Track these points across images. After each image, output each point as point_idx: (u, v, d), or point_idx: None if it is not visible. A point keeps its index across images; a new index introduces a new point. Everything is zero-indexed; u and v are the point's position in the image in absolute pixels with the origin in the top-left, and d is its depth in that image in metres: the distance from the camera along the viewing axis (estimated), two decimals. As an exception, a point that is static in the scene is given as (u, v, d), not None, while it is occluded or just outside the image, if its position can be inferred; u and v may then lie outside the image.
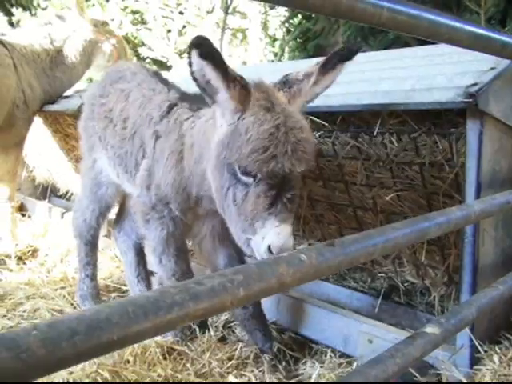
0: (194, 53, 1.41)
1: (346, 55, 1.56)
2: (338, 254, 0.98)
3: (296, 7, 0.85)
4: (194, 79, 1.51)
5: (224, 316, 2.85)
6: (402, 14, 1.00)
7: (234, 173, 1.52)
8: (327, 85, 1.64)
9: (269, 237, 1.45)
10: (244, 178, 1.50)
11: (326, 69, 1.59)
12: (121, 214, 2.78)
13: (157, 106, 2.05)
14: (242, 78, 1.54)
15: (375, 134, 2.07)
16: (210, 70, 1.45)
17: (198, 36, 1.40)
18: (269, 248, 1.44)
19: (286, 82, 1.65)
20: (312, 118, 2.27)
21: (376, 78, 2.22)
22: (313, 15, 4.29)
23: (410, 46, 3.17)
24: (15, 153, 3.89)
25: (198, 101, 1.88)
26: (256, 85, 1.59)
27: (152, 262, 2.11)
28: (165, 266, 2.05)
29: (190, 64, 1.45)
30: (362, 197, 2.48)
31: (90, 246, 2.76)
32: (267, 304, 2.60)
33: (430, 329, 1.32)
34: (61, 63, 4.04)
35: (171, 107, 2.01)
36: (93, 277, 2.79)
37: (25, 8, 5.27)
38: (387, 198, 2.21)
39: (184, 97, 2.04)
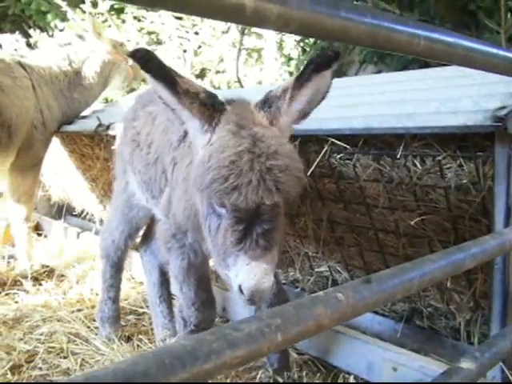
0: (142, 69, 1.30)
1: (323, 63, 1.37)
2: (375, 291, 0.93)
3: (337, 40, 0.82)
4: (162, 101, 1.40)
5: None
6: (437, 42, 0.97)
7: (210, 202, 1.42)
8: (309, 100, 1.44)
9: (239, 276, 1.32)
10: (217, 209, 1.39)
11: (300, 82, 1.40)
12: (148, 234, 2.76)
13: (176, 129, 1.99)
14: (205, 94, 1.40)
15: (398, 156, 2.03)
16: (156, 83, 1.33)
17: (136, 48, 1.30)
18: (239, 288, 1.32)
19: (265, 101, 1.49)
20: (333, 140, 2.24)
21: (398, 99, 2.19)
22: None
23: (429, 66, 3.14)
24: (33, 174, 3.91)
25: None
26: (233, 104, 1.47)
27: (174, 287, 2.08)
28: (185, 294, 2.02)
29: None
30: (383, 219, 2.43)
31: (116, 268, 2.74)
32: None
33: (466, 364, 1.27)
34: (78, 84, 4.08)
35: (186, 132, 1.93)
36: (115, 299, 2.77)
37: (42, 29, 5.34)
38: (412, 223, 2.16)
39: None
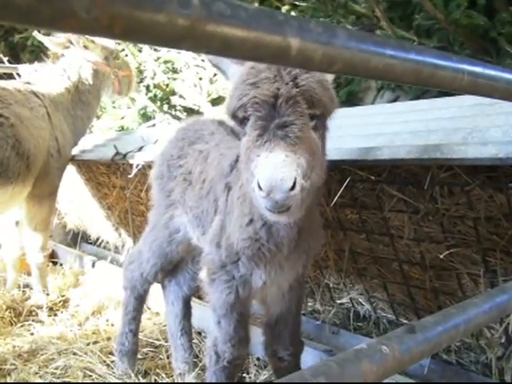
0: None
1: None
2: (420, 341, 0.87)
3: (381, 79, 0.79)
4: (209, 60, 1.66)
5: (263, 376, 2.72)
6: (481, 76, 0.93)
7: (238, 129, 1.50)
8: None
9: (257, 172, 1.31)
10: (244, 128, 1.46)
11: None
12: (175, 264, 2.69)
13: (228, 158, 2.02)
14: None
15: (425, 187, 1.97)
16: None
17: None
18: (258, 184, 1.29)
19: None
20: (356, 170, 2.20)
21: (423, 129, 2.14)
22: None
23: (447, 94, 3.10)
24: (49, 202, 3.89)
25: None
26: None
27: (212, 320, 2.00)
28: (223, 329, 1.94)
29: None
30: (408, 251, 2.36)
31: (140, 301, 2.69)
32: (309, 362, 2.46)
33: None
34: (79, 101, 4.01)
35: (238, 157, 1.92)
36: (136, 332, 2.71)
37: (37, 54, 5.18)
38: (441, 256, 2.09)
39: None
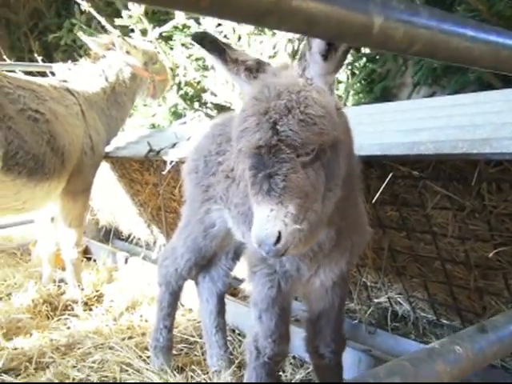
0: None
1: None
2: (493, 341, 0.83)
3: (457, 62, 0.75)
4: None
5: (299, 375, 2.69)
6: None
7: None
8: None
9: (253, 226, 1.38)
10: None
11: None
12: (209, 260, 2.67)
13: None
14: (253, 61, 1.56)
15: (473, 183, 1.91)
16: (209, 56, 1.56)
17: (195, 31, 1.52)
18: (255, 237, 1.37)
19: (302, 55, 1.54)
20: (398, 166, 2.14)
21: (468, 123, 2.07)
22: (377, 56, 4.21)
23: (489, 87, 3.01)
24: (83, 199, 3.93)
25: None
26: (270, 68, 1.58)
27: (252, 315, 1.98)
28: (264, 324, 1.91)
29: None
30: (452, 249, 2.29)
31: (174, 297, 2.68)
32: (347, 361, 2.42)
33: None
34: (114, 102, 4.05)
35: None
36: (170, 328, 2.70)
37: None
38: (490, 255, 2.02)
39: None
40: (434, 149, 1.94)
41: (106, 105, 4.02)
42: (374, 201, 2.25)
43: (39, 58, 5.84)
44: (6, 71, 3.79)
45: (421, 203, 2.24)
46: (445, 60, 0.75)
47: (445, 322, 2.66)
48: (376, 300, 2.87)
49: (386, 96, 4.17)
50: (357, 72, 4.32)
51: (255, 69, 1.55)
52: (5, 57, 5.91)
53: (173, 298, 2.66)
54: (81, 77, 3.98)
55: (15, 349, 3.00)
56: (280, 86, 1.45)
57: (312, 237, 1.53)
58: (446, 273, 2.39)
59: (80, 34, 4.05)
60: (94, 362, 2.78)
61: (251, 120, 1.42)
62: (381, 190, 2.15)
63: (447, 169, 2.08)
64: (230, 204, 2.25)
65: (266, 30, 4.48)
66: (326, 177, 1.48)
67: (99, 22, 5.28)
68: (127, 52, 3.98)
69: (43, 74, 5.05)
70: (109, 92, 4.01)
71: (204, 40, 1.54)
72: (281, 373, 2.73)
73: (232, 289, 3.84)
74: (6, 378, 2.65)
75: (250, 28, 4.42)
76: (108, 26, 4.66)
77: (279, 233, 1.34)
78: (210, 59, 1.61)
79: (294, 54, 3.79)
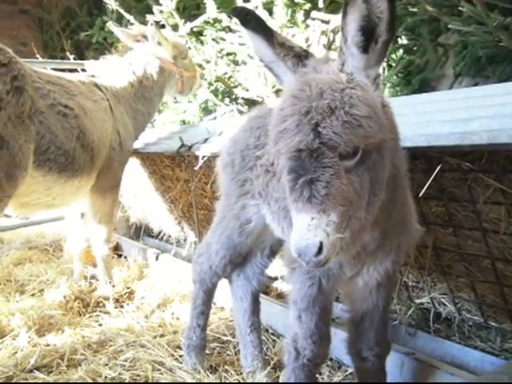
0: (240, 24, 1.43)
1: None
2: None
3: None
4: (260, 59, 1.52)
5: (337, 377, 2.58)
6: None
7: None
8: (358, 26, 1.37)
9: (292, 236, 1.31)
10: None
11: None
12: (244, 257, 2.59)
13: None
14: (300, 48, 1.47)
15: (532, 176, 1.76)
16: (253, 37, 1.45)
17: (236, 6, 1.42)
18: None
19: (340, 49, 1.46)
20: (448, 158, 2.01)
21: (525, 111, 1.92)
22: (415, 47, 4.05)
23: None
24: (112, 195, 3.89)
25: None
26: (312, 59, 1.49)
27: (291, 313, 1.89)
28: (304, 324, 1.82)
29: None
30: (504, 247, 2.14)
31: (209, 295, 2.61)
32: (389, 365, 2.30)
33: None
34: (141, 96, 3.98)
35: None
36: (204, 327, 2.63)
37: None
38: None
39: None
40: (488, 139, 1.80)
41: (133, 99, 3.95)
42: (420, 196, 2.12)
43: (71, 57, 5.89)
44: (38, 68, 3.79)
45: (470, 198, 2.10)
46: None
47: (493, 324, 2.50)
48: (417, 300, 2.74)
49: (425, 88, 3.99)
50: (393, 64, 4.17)
51: (304, 56, 1.47)
52: (38, 56, 5.97)
53: (207, 296, 2.59)
54: (108, 71, 3.92)
55: (47, 345, 2.99)
56: (322, 83, 1.35)
57: (354, 244, 1.45)
58: (496, 272, 2.24)
59: (109, 24, 3.96)
60: (125, 361, 2.73)
61: (291, 120, 1.33)
62: (428, 183, 2.02)
63: (501, 160, 1.93)
64: (269, 199, 2.16)
65: (299, 22, 4.38)
66: (371, 181, 1.38)
67: (129, 20, 5.27)
68: (158, 43, 3.91)
69: (75, 72, 5.05)
70: (136, 86, 3.94)
71: (248, 17, 1.44)
72: (317, 375, 2.63)
73: (265, 287, 3.75)
74: (39, 374, 2.63)
75: (283, 20, 4.32)
76: (137, 24, 4.62)
77: (321, 243, 1.27)
78: (253, 39, 1.49)
79: (329, 47, 3.67)
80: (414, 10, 3.51)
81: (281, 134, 1.34)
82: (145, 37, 3.93)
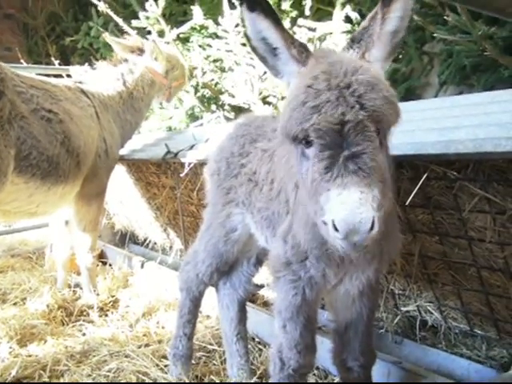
0: (244, 9, 1.37)
1: None
2: None
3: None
4: (253, 49, 1.45)
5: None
6: None
7: (297, 151, 1.38)
8: (398, 21, 1.42)
9: (331, 210, 1.21)
10: (305, 150, 1.34)
11: (387, 2, 1.39)
12: (231, 265, 2.56)
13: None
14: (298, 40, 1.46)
15: (517, 184, 1.77)
16: (261, 21, 1.39)
17: None
18: (334, 225, 1.20)
19: (353, 40, 1.49)
20: (434, 167, 2.01)
21: (509, 120, 1.93)
22: (400, 56, 4.08)
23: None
24: (97, 202, 3.84)
25: None
26: (317, 50, 1.53)
27: (276, 324, 1.87)
28: (289, 333, 1.79)
29: (246, 29, 1.42)
30: (489, 255, 2.15)
31: (195, 303, 2.58)
32: (375, 374, 2.29)
33: None
34: (130, 106, 3.96)
35: None
36: (190, 336, 2.59)
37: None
38: (537, 262, 1.88)
39: None
40: (474, 147, 1.81)
41: (121, 109, 3.93)
42: (406, 204, 2.12)
43: (56, 62, 5.82)
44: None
45: (456, 206, 2.11)
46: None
47: (479, 332, 2.51)
48: (404, 308, 2.73)
49: (410, 96, 4.02)
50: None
51: (306, 47, 1.46)
52: (22, 61, 5.89)
53: (193, 305, 2.56)
54: (97, 79, 3.89)
55: (29, 356, 2.92)
56: (353, 62, 1.38)
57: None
58: (482, 280, 2.25)
59: (105, 36, 3.92)
60: (109, 371, 2.68)
61: (329, 94, 1.28)
62: (414, 191, 2.02)
63: (486, 169, 1.94)
64: (252, 208, 2.15)
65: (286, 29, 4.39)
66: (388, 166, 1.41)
67: (116, 25, 5.23)
68: (155, 58, 3.91)
69: (60, 78, 5.00)
70: (125, 97, 3.92)
71: (258, 0, 1.38)
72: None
73: (251, 295, 3.73)
74: (20, 386, 2.57)
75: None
76: (126, 28, 4.58)
77: (373, 218, 1.21)
78: (260, 24, 1.40)
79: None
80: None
81: (315, 108, 1.28)
82: (140, 49, 3.92)
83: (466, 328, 2.54)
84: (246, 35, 1.52)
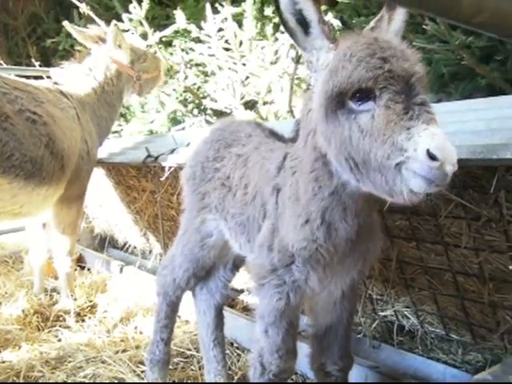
0: None
1: None
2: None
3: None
4: (284, 22, 1.47)
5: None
6: None
7: (350, 108, 1.38)
8: (401, 18, 1.60)
9: (423, 142, 1.23)
10: (361, 106, 1.36)
11: (392, 5, 1.56)
12: (207, 271, 2.54)
13: (274, 160, 1.90)
14: None
15: (491, 191, 1.80)
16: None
17: None
18: (428, 154, 1.22)
19: None
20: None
21: (485, 128, 1.97)
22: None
23: (498, 93, 2.91)
24: (77, 205, 3.80)
25: None
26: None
27: (258, 329, 1.86)
28: (270, 338, 1.78)
29: (278, 2, 1.43)
30: (464, 261, 2.18)
31: (172, 308, 2.54)
32: (353, 379, 2.30)
33: None
34: (104, 102, 3.91)
35: (285, 157, 1.84)
36: (167, 341, 2.56)
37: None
38: (510, 268, 1.91)
39: (291, 142, 1.88)
40: (449, 154, 1.83)
41: (96, 105, 3.87)
42: (384, 209, 2.14)
43: (37, 64, 5.75)
44: (2, 75, 3.68)
45: (433, 212, 2.13)
46: (509, 37, 0.65)
47: (454, 336, 2.54)
48: (382, 313, 2.75)
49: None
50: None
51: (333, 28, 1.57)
52: (1, 62, 5.81)
53: (170, 310, 2.53)
54: (70, 78, 3.83)
55: (3, 362, 2.87)
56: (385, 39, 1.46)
57: None
58: (457, 286, 2.28)
59: (65, 24, 3.84)
60: (85, 377, 2.66)
61: (393, 50, 1.37)
62: (391, 197, 2.03)
63: (462, 176, 1.97)
64: (226, 214, 2.14)
65: (268, 35, 4.41)
66: None
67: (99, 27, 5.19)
68: (119, 45, 3.83)
69: (40, 79, 4.93)
70: (99, 92, 3.86)
71: None
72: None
73: (230, 300, 3.71)
74: (-9, 393, 2.52)
75: (252, 33, 4.34)
76: (95, 19, 4.53)
77: None
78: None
79: (297, 60, 3.69)
80: (381, 26, 3.58)
81: (384, 60, 1.34)
82: (102, 39, 3.85)
83: (442, 333, 2.57)
84: (277, 7, 1.51)
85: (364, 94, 1.35)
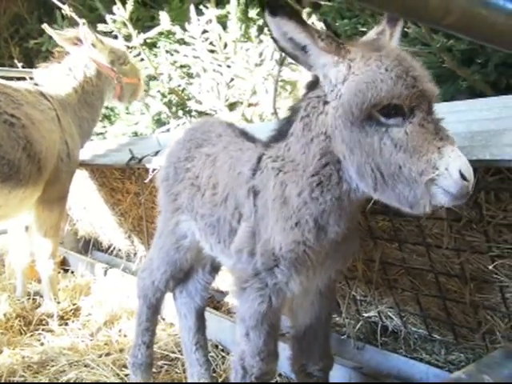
0: (267, 14, 1.43)
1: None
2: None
3: (493, 43, 0.65)
4: (282, 49, 1.51)
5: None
6: None
7: (379, 121, 1.42)
8: (399, 34, 1.68)
9: (454, 162, 1.36)
10: (390, 120, 1.42)
11: (393, 21, 1.64)
12: (186, 273, 2.54)
13: (246, 162, 1.89)
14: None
15: (471, 192, 1.82)
16: (285, 24, 1.43)
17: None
18: (461, 173, 1.35)
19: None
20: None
21: (465, 130, 1.99)
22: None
23: (481, 96, 2.94)
24: (59, 207, 3.76)
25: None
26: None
27: (238, 332, 1.85)
28: (252, 341, 1.78)
29: (271, 33, 1.47)
30: (446, 261, 2.20)
31: (153, 310, 2.52)
32: (336, 380, 2.31)
33: None
34: (84, 102, 3.88)
35: (260, 158, 1.83)
36: (149, 344, 2.54)
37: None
38: (490, 267, 1.93)
39: (268, 143, 1.85)
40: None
41: (77, 106, 3.84)
42: (366, 210, 2.15)
43: (19, 65, 5.68)
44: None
45: (414, 213, 2.14)
46: (478, 39, 0.66)
47: (437, 337, 2.56)
48: (365, 314, 2.77)
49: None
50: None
51: (332, 36, 1.51)
52: (-17, 62, 5.73)
53: (151, 312, 2.51)
54: (51, 79, 3.80)
55: (-17, 367, 2.82)
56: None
57: None
58: (439, 286, 2.30)
59: (44, 26, 3.82)
60: (67, 381, 2.62)
61: (417, 71, 1.44)
62: (374, 199, 2.05)
63: (442, 177, 1.99)
64: (195, 215, 2.13)
65: (253, 37, 4.41)
66: None
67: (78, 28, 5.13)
68: (93, 45, 3.81)
69: (23, 80, 4.87)
70: (80, 91, 3.83)
71: (280, 4, 1.44)
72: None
73: (215, 302, 3.71)
74: (-29, 399, 2.48)
75: (236, 35, 4.34)
76: (75, 18, 4.47)
77: None
78: (284, 27, 1.44)
79: (281, 62, 3.71)
80: (364, 29, 3.60)
81: (415, 79, 1.41)
82: (79, 39, 3.81)
83: (425, 333, 2.59)
84: (272, 38, 1.51)
85: (393, 109, 1.41)
